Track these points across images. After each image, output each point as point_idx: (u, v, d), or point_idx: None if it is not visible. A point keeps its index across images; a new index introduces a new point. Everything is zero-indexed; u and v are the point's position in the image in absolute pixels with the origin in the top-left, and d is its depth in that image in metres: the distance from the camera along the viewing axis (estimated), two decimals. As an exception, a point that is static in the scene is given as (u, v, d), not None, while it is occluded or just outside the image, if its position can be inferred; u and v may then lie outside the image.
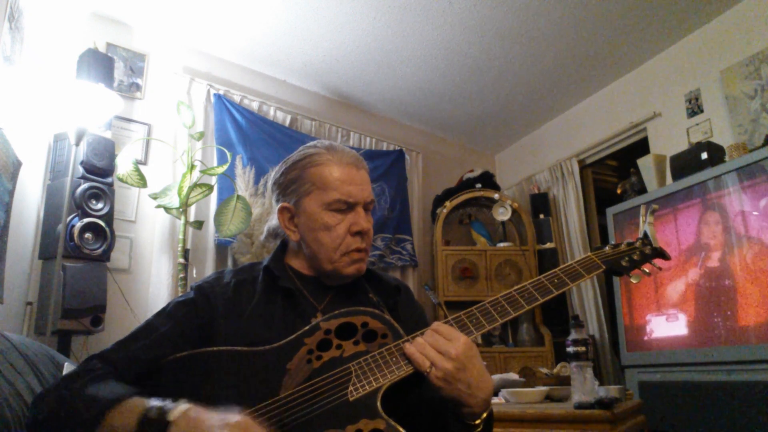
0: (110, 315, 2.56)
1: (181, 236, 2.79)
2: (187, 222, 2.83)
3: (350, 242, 0.99)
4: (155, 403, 0.74)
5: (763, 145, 2.61)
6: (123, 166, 2.62)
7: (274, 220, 1.08)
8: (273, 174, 1.08)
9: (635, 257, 1.01)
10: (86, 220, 2.37)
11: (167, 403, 0.74)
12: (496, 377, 2.15)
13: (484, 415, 0.84)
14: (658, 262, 1.04)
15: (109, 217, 2.49)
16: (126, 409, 0.75)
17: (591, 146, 4.00)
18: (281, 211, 1.04)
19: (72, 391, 0.78)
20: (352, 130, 4.04)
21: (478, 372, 0.81)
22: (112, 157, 2.57)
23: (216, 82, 3.41)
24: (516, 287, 0.92)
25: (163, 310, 0.96)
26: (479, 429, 0.85)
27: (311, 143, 1.07)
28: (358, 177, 1.01)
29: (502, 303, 0.90)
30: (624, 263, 1.00)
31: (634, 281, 1.01)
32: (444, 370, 0.79)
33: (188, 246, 2.93)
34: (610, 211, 3.31)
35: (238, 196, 2.86)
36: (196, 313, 0.95)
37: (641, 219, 1.06)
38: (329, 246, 0.98)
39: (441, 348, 0.81)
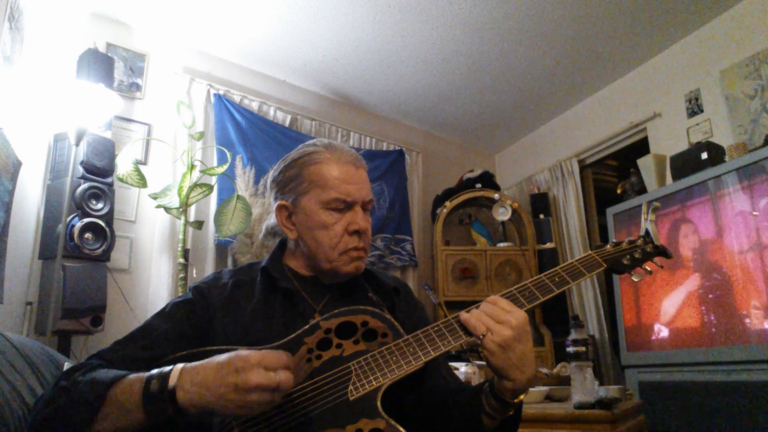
0: (110, 315, 2.56)
1: (181, 236, 2.79)
2: (187, 222, 2.83)
3: (348, 241, 0.99)
4: (153, 373, 0.75)
5: (763, 145, 2.60)
6: (123, 166, 2.62)
7: (272, 219, 1.08)
8: (272, 172, 1.08)
9: (637, 255, 1.01)
10: (86, 220, 2.37)
11: (163, 371, 0.74)
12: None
13: (522, 396, 0.85)
14: (659, 260, 1.03)
15: (109, 217, 2.49)
16: (127, 385, 0.75)
17: (591, 146, 4.00)
18: (279, 209, 1.04)
19: (72, 381, 0.78)
20: (352, 130, 4.04)
21: (530, 349, 0.83)
22: (112, 157, 2.57)
23: (216, 82, 3.41)
24: (517, 286, 0.92)
25: (162, 311, 0.96)
26: (511, 412, 0.85)
27: (310, 141, 1.07)
28: (357, 176, 1.01)
29: (502, 302, 0.90)
30: (625, 261, 0.99)
31: (635, 279, 1.00)
32: (502, 336, 0.80)
33: (188, 246, 2.93)
34: (610, 211, 3.31)
35: (238, 196, 2.86)
36: (195, 313, 0.95)
37: (643, 217, 1.05)
38: (327, 245, 0.98)
39: (500, 318, 0.82)
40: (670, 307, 2.83)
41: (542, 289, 0.91)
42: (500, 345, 0.80)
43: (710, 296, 2.63)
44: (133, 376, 0.76)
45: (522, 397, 0.85)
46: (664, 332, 2.84)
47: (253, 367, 0.70)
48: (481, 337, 0.82)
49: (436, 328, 0.87)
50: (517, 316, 0.82)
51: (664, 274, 2.86)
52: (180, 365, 0.74)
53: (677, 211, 2.88)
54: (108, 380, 0.75)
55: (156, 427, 0.73)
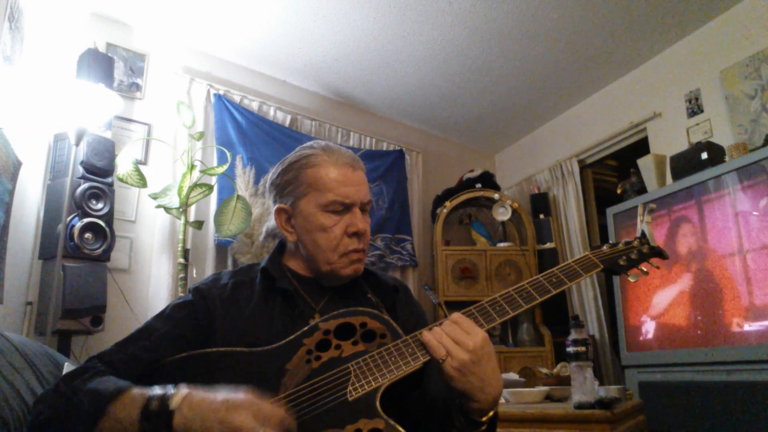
0: (110, 315, 2.56)
1: (181, 236, 2.79)
2: (187, 222, 2.83)
3: (347, 243, 0.99)
4: (155, 392, 0.74)
5: (763, 145, 2.60)
6: (123, 166, 2.63)
7: (272, 221, 1.08)
8: (270, 175, 1.08)
9: (633, 256, 1.01)
10: (86, 220, 2.38)
11: (167, 390, 0.74)
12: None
13: (491, 413, 0.84)
14: (656, 261, 1.04)
15: (109, 217, 2.49)
16: (128, 401, 0.75)
17: (591, 146, 3.99)
18: (278, 212, 1.04)
19: (72, 388, 0.78)
20: (352, 130, 4.04)
21: (492, 368, 0.81)
22: (112, 157, 2.58)
23: (216, 82, 3.41)
24: (514, 287, 0.92)
25: (162, 312, 0.97)
26: (484, 427, 0.85)
27: (308, 143, 1.07)
28: (355, 178, 1.01)
29: (500, 302, 0.90)
30: (622, 262, 1.00)
31: (632, 280, 1.01)
32: (460, 361, 0.79)
33: (188, 246, 2.93)
34: (610, 211, 3.31)
35: (238, 196, 2.86)
36: (195, 314, 0.95)
37: (639, 218, 1.06)
38: (326, 247, 0.98)
39: (459, 339, 0.81)
40: (670, 307, 2.83)
41: (539, 290, 0.91)
42: (458, 369, 0.79)
43: (709, 296, 2.63)
44: (135, 391, 0.76)
45: (491, 414, 0.84)
46: (664, 332, 2.84)
47: (241, 409, 0.70)
48: (440, 361, 0.81)
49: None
50: (475, 338, 0.81)
51: (665, 274, 2.86)
52: (185, 390, 0.74)
53: (677, 210, 2.88)
54: (109, 395, 0.75)
55: None
